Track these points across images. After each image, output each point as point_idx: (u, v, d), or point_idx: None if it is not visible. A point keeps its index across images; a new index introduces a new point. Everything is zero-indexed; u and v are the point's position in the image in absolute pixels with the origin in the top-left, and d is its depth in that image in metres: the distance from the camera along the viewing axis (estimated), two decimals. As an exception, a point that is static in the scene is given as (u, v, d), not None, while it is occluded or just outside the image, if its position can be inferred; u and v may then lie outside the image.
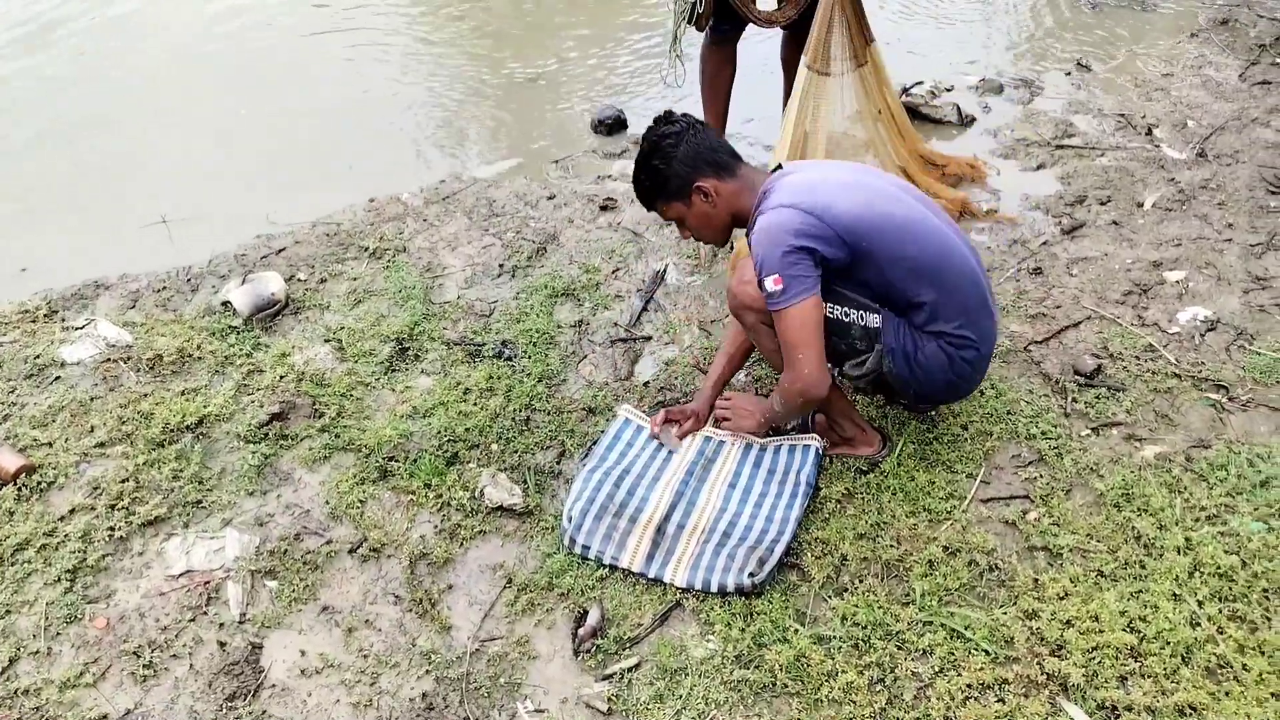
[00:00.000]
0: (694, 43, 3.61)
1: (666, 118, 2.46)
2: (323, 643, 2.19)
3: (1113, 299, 3.14)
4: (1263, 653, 2.06)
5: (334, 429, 2.71)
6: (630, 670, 2.10)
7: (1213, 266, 3.25)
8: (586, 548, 2.34)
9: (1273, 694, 1.98)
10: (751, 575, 2.22)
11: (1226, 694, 1.98)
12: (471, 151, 4.24)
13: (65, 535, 2.40)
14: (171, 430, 2.68)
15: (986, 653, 2.08)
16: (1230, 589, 2.19)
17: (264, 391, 2.82)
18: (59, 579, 2.30)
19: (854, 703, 2.00)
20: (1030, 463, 2.56)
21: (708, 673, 2.08)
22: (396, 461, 2.61)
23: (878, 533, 2.37)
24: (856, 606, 2.19)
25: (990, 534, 2.37)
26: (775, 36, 3.65)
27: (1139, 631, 2.10)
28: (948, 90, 4.38)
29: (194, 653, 2.16)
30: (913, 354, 2.35)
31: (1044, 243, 3.42)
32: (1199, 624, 2.12)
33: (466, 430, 2.69)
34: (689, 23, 3.36)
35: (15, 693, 2.07)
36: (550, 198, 3.76)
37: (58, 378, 2.88)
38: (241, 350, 2.99)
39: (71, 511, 2.46)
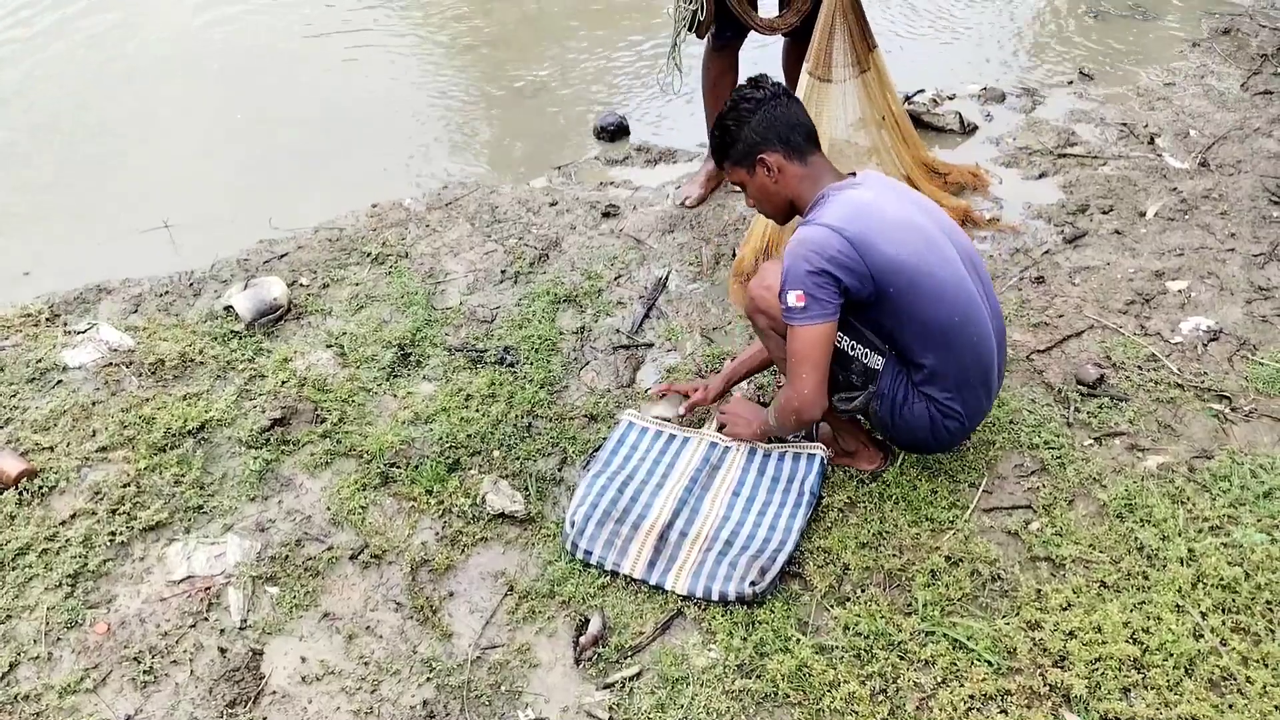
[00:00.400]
0: (695, 54, 3.61)
1: (758, 80, 2.41)
2: (323, 649, 2.18)
3: (1115, 308, 3.14)
4: (1266, 665, 2.06)
5: (335, 435, 2.71)
6: (631, 679, 2.10)
7: (1215, 276, 3.25)
8: (589, 553, 2.33)
9: (1276, 706, 1.97)
10: (753, 584, 2.22)
11: (1230, 706, 1.98)
12: (474, 157, 4.24)
13: (66, 540, 2.39)
14: (173, 435, 2.68)
15: (989, 663, 2.08)
16: (1233, 600, 2.19)
17: (266, 397, 2.82)
18: (60, 584, 2.29)
19: (856, 713, 1.99)
20: (1033, 472, 2.56)
21: (709, 682, 2.08)
22: (398, 468, 2.60)
23: (880, 542, 2.37)
24: (859, 616, 2.18)
25: (993, 544, 2.37)
26: (777, 43, 3.65)
27: (1142, 643, 2.10)
28: (950, 98, 4.38)
29: (195, 659, 2.16)
30: (900, 406, 2.34)
31: (1046, 251, 3.42)
32: (1202, 635, 2.12)
33: (468, 437, 2.69)
34: (690, 30, 3.36)
35: (15, 698, 2.06)
36: (552, 204, 3.76)
37: (59, 382, 2.88)
38: (243, 355, 2.99)
39: (73, 516, 2.46)
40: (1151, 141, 4.06)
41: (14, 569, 2.32)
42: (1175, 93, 4.44)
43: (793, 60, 3.53)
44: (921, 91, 4.34)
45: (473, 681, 2.11)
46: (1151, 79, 4.58)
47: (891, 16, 5.21)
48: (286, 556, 2.38)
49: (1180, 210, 3.60)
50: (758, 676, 2.08)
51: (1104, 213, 3.62)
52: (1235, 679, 2.03)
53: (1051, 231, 3.53)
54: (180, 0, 5.52)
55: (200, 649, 2.18)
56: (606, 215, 3.69)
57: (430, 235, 3.59)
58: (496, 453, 2.66)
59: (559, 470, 2.62)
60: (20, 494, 2.50)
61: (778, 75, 3.72)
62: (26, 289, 3.33)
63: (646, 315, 3.19)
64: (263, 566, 2.36)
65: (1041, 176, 3.86)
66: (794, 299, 2.20)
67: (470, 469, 2.61)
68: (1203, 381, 2.83)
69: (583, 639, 2.17)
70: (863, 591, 2.26)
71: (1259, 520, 2.38)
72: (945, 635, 2.14)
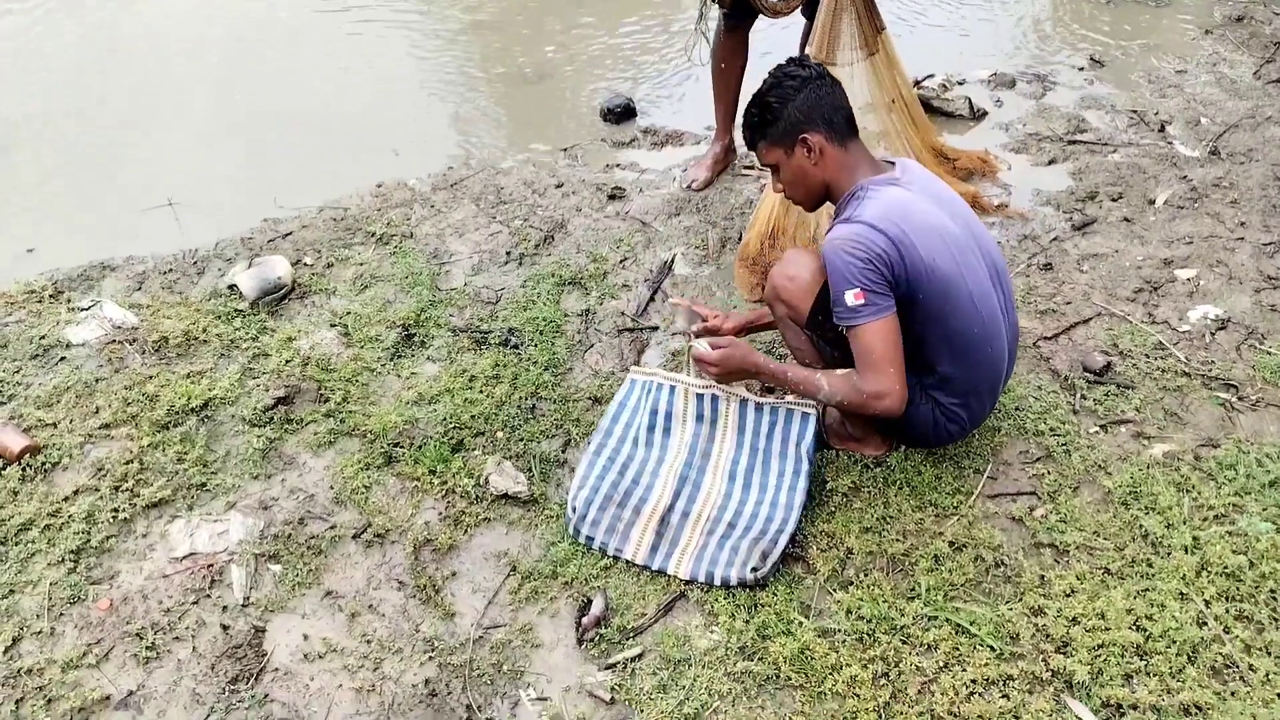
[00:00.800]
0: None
1: (802, 60, 2.37)
2: (326, 627, 2.19)
3: (1123, 296, 3.12)
4: (1269, 653, 2.05)
5: (339, 414, 2.70)
6: (633, 660, 2.10)
7: (1224, 265, 3.23)
8: (590, 539, 2.33)
9: (1279, 694, 1.97)
10: (755, 570, 2.21)
11: (1232, 694, 1.98)
12: (479, 138, 4.22)
13: (69, 516, 2.39)
14: (176, 413, 2.68)
15: (991, 649, 2.08)
16: (1237, 589, 2.18)
17: (269, 375, 2.82)
18: (62, 560, 2.29)
19: (857, 696, 1.99)
20: (1038, 459, 2.55)
21: (711, 664, 2.08)
22: (401, 448, 2.60)
23: (884, 526, 2.37)
24: (861, 600, 2.18)
25: (997, 530, 2.36)
26: (795, 27, 3.61)
27: (1145, 630, 2.09)
28: (960, 83, 4.35)
29: (197, 635, 2.16)
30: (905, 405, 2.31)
31: (1054, 238, 3.40)
32: (1205, 623, 2.11)
33: (472, 418, 2.68)
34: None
35: (19, 672, 2.06)
36: (558, 186, 3.74)
37: (63, 358, 2.88)
38: (247, 334, 2.98)
39: (76, 492, 2.46)
40: (1162, 129, 4.03)
41: (17, 544, 2.33)
42: (1187, 80, 4.41)
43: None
44: (931, 76, 4.31)
45: (475, 661, 2.11)
46: (1163, 66, 4.54)
47: (901, 0, 5.17)
48: (289, 535, 2.38)
49: (1190, 198, 3.58)
50: (760, 659, 2.08)
51: (1113, 200, 3.60)
52: (1238, 667, 2.03)
53: (1060, 218, 3.51)
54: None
55: (202, 626, 2.18)
56: (612, 197, 3.67)
57: (435, 216, 3.57)
58: (500, 434, 2.65)
59: (562, 452, 2.62)
60: (23, 470, 2.50)
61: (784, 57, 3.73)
62: (31, 266, 3.33)
63: (652, 298, 3.18)
64: (265, 544, 2.36)
65: (1051, 163, 3.84)
66: (853, 298, 2.15)
67: (474, 450, 2.61)
68: (1210, 370, 2.81)
69: (585, 620, 2.17)
70: (866, 575, 2.25)
71: (1264, 509, 2.37)
72: (948, 620, 2.13)
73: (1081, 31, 4.91)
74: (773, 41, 3.82)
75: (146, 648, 2.12)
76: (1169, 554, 2.27)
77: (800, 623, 2.14)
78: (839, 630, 2.12)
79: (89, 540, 2.34)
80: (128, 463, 2.53)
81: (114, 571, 2.29)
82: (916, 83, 4.21)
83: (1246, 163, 3.77)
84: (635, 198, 3.67)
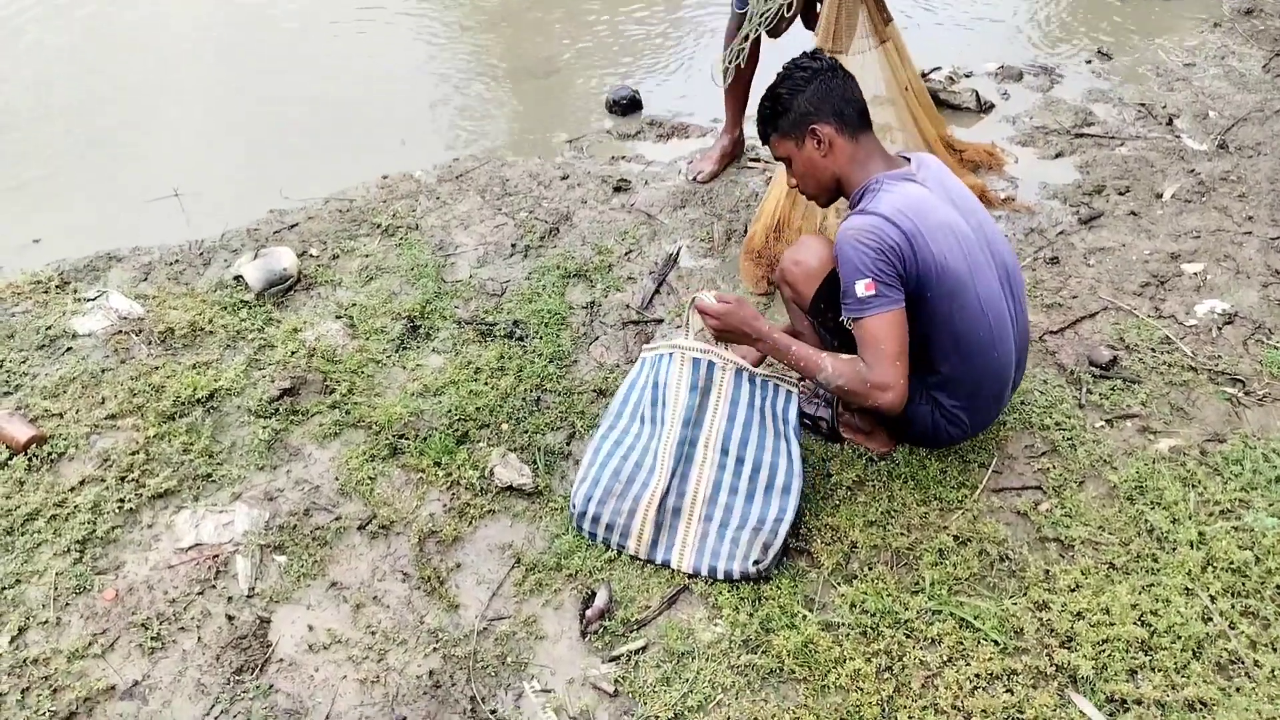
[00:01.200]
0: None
1: (813, 54, 2.35)
2: (330, 618, 2.19)
3: (1130, 290, 3.11)
4: (1274, 649, 2.05)
5: (344, 405, 2.70)
6: (637, 652, 2.10)
7: (1231, 259, 3.22)
8: (593, 535, 2.33)
9: (1284, 690, 1.97)
10: (757, 563, 2.21)
11: (1237, 689, 1.97)
12: (485, 130, 4.21)
13: (75, 506, 2.40)
14: (182, 403, 2.68)
15: (995, 643, 2.07)
16: (1243, 584, 2.17)
17: (275, 366, 2.82)
18: (68, 549, 2.30)
19: (861, 690, 1.99)
20: (1043, 453, 2.55)
21: (715, 657, 2.08)
22: (407, 439, 2.60)
23: (888, 520, 2.36)
24: (865, 594, 2.18)
25: (1001, 524, 2.36)
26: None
27: (1150, 625, 2.09)
28: (966, 76, 4.33)
29: (202, 626, 2.17)
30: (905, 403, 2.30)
31: (1061, 232, 3.39)
32: (1211, 619, 2.11)
33: (477, 409, 2.68)
34: (768, 31, 3.24)
35: (25, 662, 2.07)
36: (564, 178, 3.74)
37: (69, 349, 2.88)
38: (253, 325, 2.98)
39: (81, 483, 2.46)
40: (1170, 122, 4.01)
41: (23, 534, 2.34)
42: (1195, 73, 4.38)
43: None
44: (938, 69, 4.29)
45: (479, 652, 2.12)
46: (1171, 59, 4.51)
47: (908, -8, 5.14)
48: (294, 526, 2.38)
49: (1197, 192, 3.56)
50: (763, 652, 2.08)
51: (1120, 194, 3.58)
52: (1243, 662, 2.02)
53: (1067, 212, 3.50)
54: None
55: (208, 616, 2.19)
56: (618, 190, 3.66)
57: (441, 208, 3.57)
58: (505, 426, 2.65)
59: (567, 444, 2.62)
60: (30, 460, 2.50)
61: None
62: (37, 256, 3.33)
63: (657, 291, 3.17)
64: (271, 535, 2.36)
65: (1058, 156, 3.82)
66: (864, 289, 2.13)
67: (479, 441, 2.61)
68: (1216, 365, 2.80)
69: (589, 612, 2.17)
70: (870, 569, 2.25)
71: (1270, 504, 2.37)
72: (952, 614, 2.13)
73: (1089, 24, 4.89)
74: (787, 36, 3.79)
75: (152, 638, 2.13)
76: (1174, 549, 2.26)
77: (804, 616, 2.14)
78: (843, 624, 2.12)
79: (95, 530, 2.35)
80: (133, 453, 2.53)
81: (119, 562, 2.30)
82: (923, 75, 4.19)
83: (1255, 156, 3.75)
84: (640, 190, 3.66)
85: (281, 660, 2.11)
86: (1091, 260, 3.25)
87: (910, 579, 2.23)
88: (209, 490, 2.47)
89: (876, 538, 2.32)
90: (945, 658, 2.05)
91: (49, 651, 2.10)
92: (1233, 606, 2.13)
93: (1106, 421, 2.64)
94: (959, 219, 2.24)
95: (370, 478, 2.50)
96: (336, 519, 2.41)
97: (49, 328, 2.95)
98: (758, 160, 3.82)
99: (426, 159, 3.90)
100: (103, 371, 2.80)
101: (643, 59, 4.66)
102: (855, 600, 2.17)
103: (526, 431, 2.64)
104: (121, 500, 2.42)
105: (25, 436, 2.52)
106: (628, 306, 3.11)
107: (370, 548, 2.35)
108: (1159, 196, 3.56)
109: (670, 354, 2.41)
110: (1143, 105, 4.13)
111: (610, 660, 2.10)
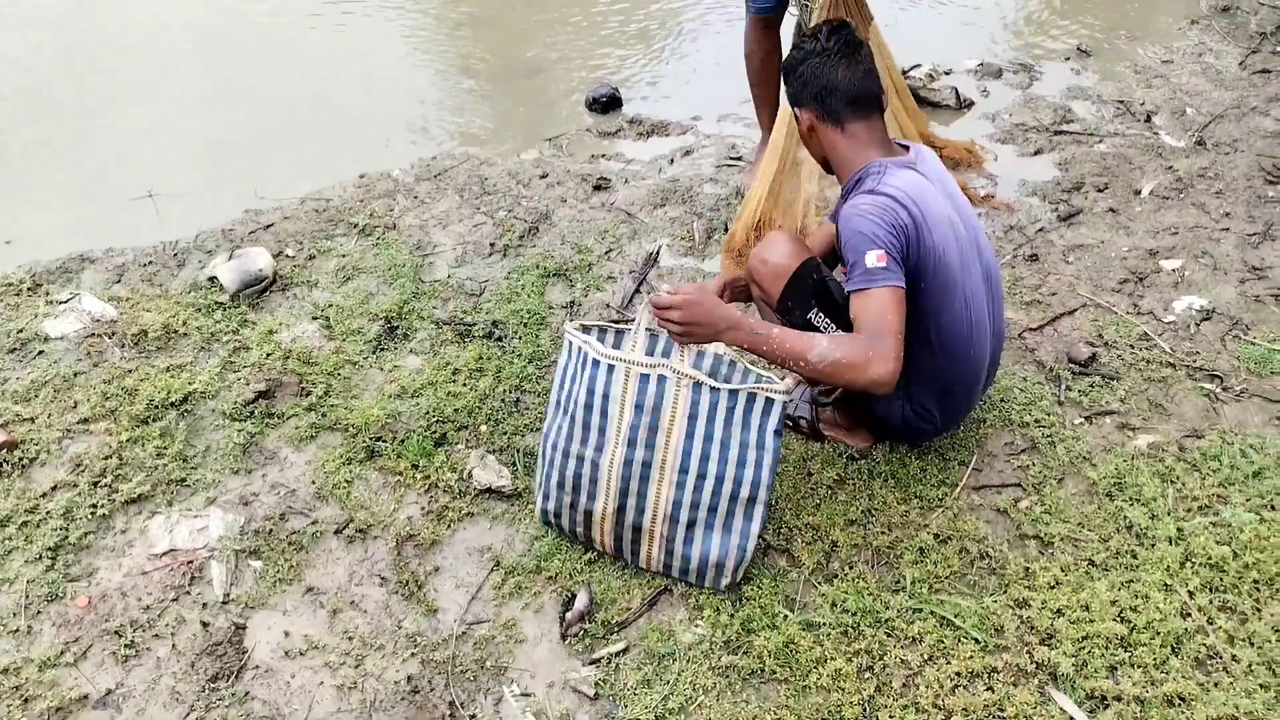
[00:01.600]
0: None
1: (836, 28, 2.27)
2: (307, 624, 2.17)
3: (1108, 287, 3.12)
4: (1252, 644, 2.05)
5: (321, 408, 2.68)
6: (618, 655, 2.09)
7: (1209, 255, 3.23)
8: (564, 532, 2.29)
9: (1261, 685, 1.97)
10: (726, 584, 2.17)
11: (1216, 684, 1.98)
12: (464, 128, 4.18)
13: (47, 512, 2.36)
14: (156, 407, 2.64)
15: (976, 641, 2.07)
16: (1221, 580, 2.18)
17: (250, 369, 2.79)
18: (40, 556, 2.27)
19: (842, 690, 1.99)
20: (1023, 450, 2.55)
21: (696, 658, 2.07)
22: (384, 442, 2.58)
23: (868, 519, 2.36)
24: (846, 593, 2.17)
25: (981, 522, 2.36)
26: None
27: (1129, 621, 2.09)
28: (946, 73, 4.34)
29: (176, 633, 2.14)
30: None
31: (1040, 229, 3.40)
32: (1189, 614, 2.11)
33: (455, 411, 2.66)
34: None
35: (-6, 671, 2.04)
36: (543, 176, 3.72)
37: (41, 352, 2.84)
38: (228, 327, 2.95)
39: (53, 488, 2.43)
40: (1148, 119, 4.03)
41: (-6, 541, 2.30)
42: (1173, 70, 4.40)
43: None
44: (918, 66, 4.30)
45: (458, 657, 2.10)
46: (1149, 56, 4.54)
47: (888, -10, 5.15)
48: (270, 530, 2.36)
49: (1175, 189, 3.58)
50: (744, 653, 2.07)
51: (1099, 190, 3.59)
52: (1221, 658, 2.03)
53: (1046, 209, 3.51)
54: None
55: (182, 623, 2.16)
56: (598, 188, 3.65)
57: (419, 207, 3.54)
58: (484, 427, 2.63)
59: (547, 445, 2.60)
60: (0, 465, 2.46)
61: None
62: (8, 258, 3.28)
63: (637, 290, 3.16)
64: (246, 540, 2.33)
65: (1037, 153, 3.83)
66: (875, 259, 2.05)
67: (457, 443, 2.59)
68: (1194, 361, 2.81)
69: (569, 615, 2.15)
70: (851, 569, 2.25)
71: (1248, 500, 2.38)
72: (933, 613, 2.13)
73: (1068, 21, 4.91)
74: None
75: (125, 646, 2.10)
76: (1153, 545, 2.27)
77: (785, 616, 2.13)
78: (824, 624, 2.12)
79: (67, 537, 2.31)
80: (106, 458, 2.50)
81: (92, 568, 2.27)
82: (904, 73, 4.20)
83: (1232, 153, 3.77)
84: (620, 189, 3.65)
85: (257, 667, 2.08)
86: (1070, 257, 3.26)
87: (891, 578, 2.23)
88: (183, 495, 2.44)
89: (857, 537, 2.31)
90: (926, 656, 2.05)
91: (20, 661, 2.06)
92: (1211, 602, 2.13)
93: (1085, 418, 2.64)
94: (954, 215, 2.23)
95: (347, 481, 2.48)
96: (313, 523, 2.38)
97: (20, 330, 2.91)
98: (739, 159, 3.81)
99: (404, 158, 3.87)
100: (75, 375, 2.76)
101: (623, 57, 4.64)
102: (836, 600, 2.16)
103: (505, 433, 2.62)
104: (94, 506, 2.38)
105: (-5, 442, 2.49)
106: (608, 306, 3.09)
107: (347, 552, 2.32)
108: (1137, 193, 3.58)
109: (612, 366, 2.12)
110: (1121, 102, 4.15)
111: (591, 663, 2.08)
